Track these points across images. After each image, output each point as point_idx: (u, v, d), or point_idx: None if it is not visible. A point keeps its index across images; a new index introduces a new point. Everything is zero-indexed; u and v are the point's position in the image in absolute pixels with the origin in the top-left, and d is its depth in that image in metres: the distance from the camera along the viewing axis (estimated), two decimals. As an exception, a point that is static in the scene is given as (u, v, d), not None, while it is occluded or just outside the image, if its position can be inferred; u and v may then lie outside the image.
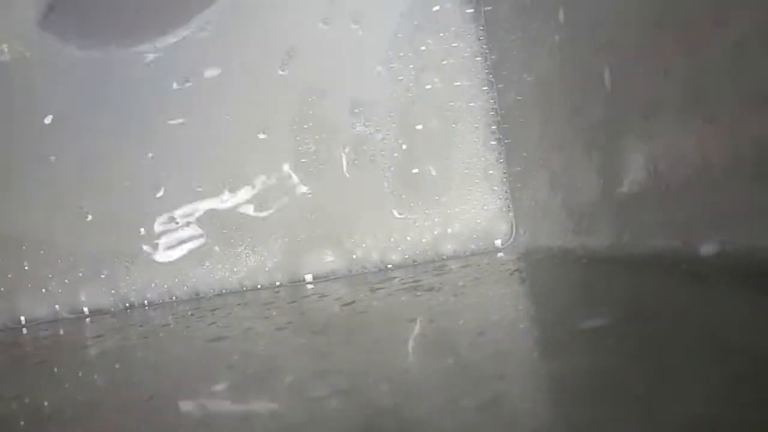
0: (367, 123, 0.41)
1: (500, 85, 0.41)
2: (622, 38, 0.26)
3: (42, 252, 0.41)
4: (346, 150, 0.41)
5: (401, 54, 0.41)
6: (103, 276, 0.41)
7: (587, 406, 0.16)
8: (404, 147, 0.41)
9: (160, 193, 0.41)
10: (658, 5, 0.23)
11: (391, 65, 0.41)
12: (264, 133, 0.41)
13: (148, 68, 0.41)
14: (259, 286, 0.41)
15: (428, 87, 0.41)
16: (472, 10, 0.41)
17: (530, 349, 0.23)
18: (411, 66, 0.41)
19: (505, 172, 0.41)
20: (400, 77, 0.41)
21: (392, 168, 0.41)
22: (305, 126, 0.41)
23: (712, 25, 0.20)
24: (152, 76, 0.41)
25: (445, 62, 0.41)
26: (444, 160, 0.41)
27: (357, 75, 0.41)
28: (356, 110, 0.41)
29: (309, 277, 0.41)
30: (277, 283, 0.41)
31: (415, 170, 0.41)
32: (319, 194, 0.41)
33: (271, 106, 0.41)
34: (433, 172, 0.41)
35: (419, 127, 0.41)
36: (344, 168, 0.41)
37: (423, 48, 0.41)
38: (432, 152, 0.41)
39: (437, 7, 0.41)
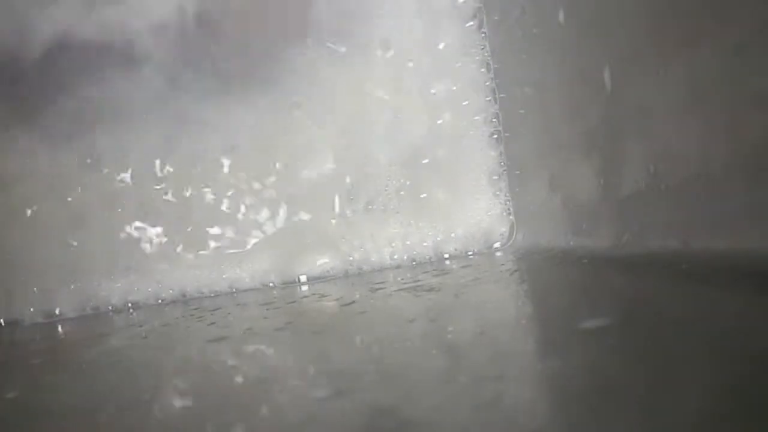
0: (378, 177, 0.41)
1: (502, 95, 0.41)
2: (622, 38, 0.26)
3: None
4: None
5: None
6: (102, 276, 0.41)
7: (587, 406, 0.16)
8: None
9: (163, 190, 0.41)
10: (658, 5, 0.23)
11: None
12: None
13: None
14: (247, 288, 0.41)
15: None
16: (472, 24, 0.41)
17: (530, 349, 0.23)
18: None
19: (504, 171, 0.41)
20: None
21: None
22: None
23: (712, 25, 0.20)
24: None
25: (455, 87, 0.41)
26: (446, 175, 0.41)
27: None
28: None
29: (304, 278, 0.41)
30: (271, 284, 0.41)
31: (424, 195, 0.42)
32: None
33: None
34: (438, 187, 0.41)
35: (426, 161, 0.41)
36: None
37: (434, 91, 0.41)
38: (438, 173, 0.41)
39: (442, 45, 0.41)
